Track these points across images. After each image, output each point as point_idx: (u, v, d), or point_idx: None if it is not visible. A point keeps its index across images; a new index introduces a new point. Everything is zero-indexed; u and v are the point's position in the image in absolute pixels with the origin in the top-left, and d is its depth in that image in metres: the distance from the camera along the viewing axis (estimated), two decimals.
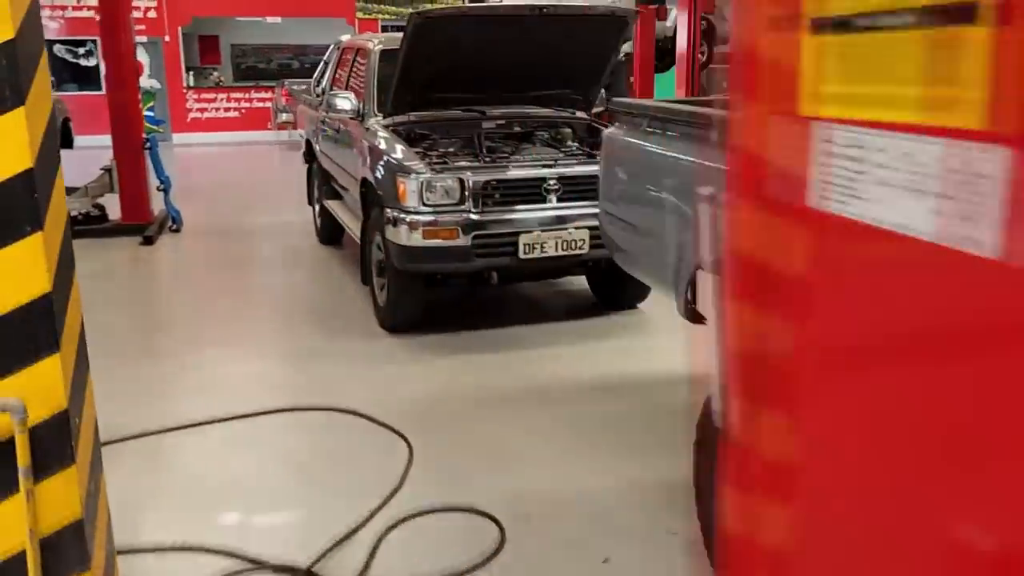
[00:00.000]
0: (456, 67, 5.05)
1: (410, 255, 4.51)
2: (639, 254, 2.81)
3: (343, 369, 4.44)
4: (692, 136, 2.38)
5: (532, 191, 4.60)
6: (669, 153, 2.45)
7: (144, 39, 17.53)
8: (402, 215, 4.49)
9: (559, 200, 4.63)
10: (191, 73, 18.39)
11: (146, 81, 17.99)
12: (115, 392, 4.02)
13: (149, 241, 7.60)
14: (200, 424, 3.73)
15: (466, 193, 4.47)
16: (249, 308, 5.60)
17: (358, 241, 5.52)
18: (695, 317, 2.51)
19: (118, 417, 3.68)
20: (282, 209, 9.39)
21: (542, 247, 4.59)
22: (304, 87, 16.41)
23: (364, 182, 5.24)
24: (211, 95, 18.36)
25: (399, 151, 4.74)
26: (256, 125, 18.18)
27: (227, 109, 18.39)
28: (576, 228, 4.62)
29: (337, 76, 6.78)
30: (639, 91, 14.32)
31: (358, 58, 6.19)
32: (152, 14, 17.54)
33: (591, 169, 4.70)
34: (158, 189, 8.17)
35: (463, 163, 4.62)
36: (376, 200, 4.95)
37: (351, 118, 5.55)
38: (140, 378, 4.34)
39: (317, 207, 7.65)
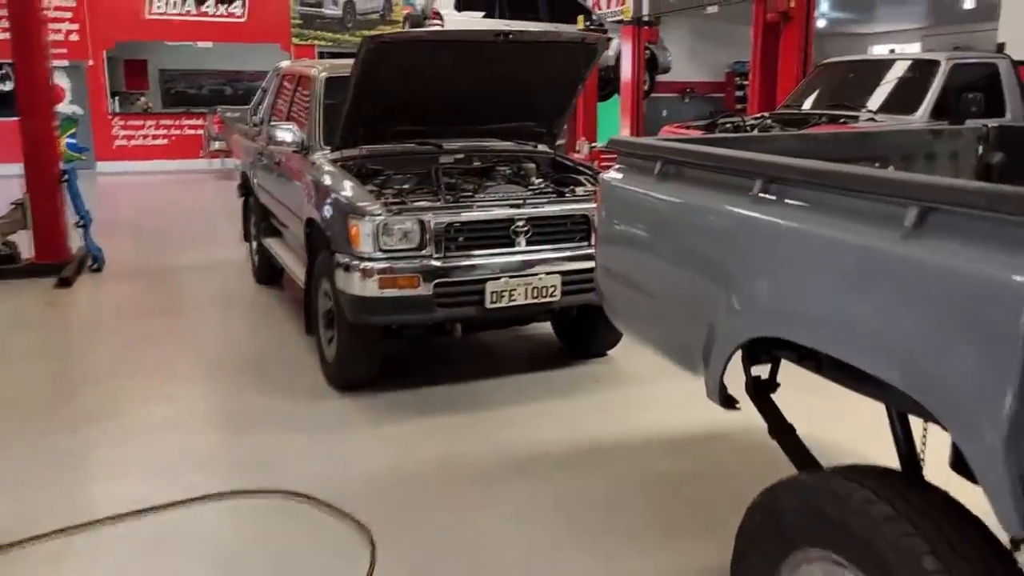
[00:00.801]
0: (411, 97, 4.60)
1: (364, 306, 4.01)
2: (650, 321, 2.39)
3: (288, 438, 3.89)
4: (724, 184, 1.98)
5: (499, 234, 4.16)
6: (698, 203, 2.04)
7: (65, 63, 16.62)
8: (355, 261, 3.99)
9: (528, 243, 4.20)
10: (117, 99, 17.51)
11: (68, 107, 17.07)
12: (16, 475, 3.43)
13: (66, 283, 6.89)
14: (120, 517, 3.14)
15: (427, 236, 4.01)
16: (179, 362, 5.00)
17: (301, 286, 4.99)
18: (728, 402, 2.09)
19: (18, 510, 3.09)
20: (216, 244, 8.75)
21: (511, 295, 4.14)
22: (238, 114, 15.75)
23: (309, 222, 4.72)
24: (138, 122, 17.50)
25: (350, 189, 4.25)
26: (187, 153, 17.37)
27: (155, 136, 17.55)
28: (547, 274, 4.19)
29: (277, 105, 6.25)
30: (583, 120, 14.15)
31: (300, 86, 5.68)
32: (74, 37, 16.66)
33: (561, 209, 4.32)
34: (77, 225, 7.48)
35: (423, 203, 4.16)
36: (323, 243, 4.44)
37: (294, 151, 5.03)
38: (48, 455, 3.71)
39: (254, 244, 7.08)
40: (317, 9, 18.44)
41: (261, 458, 3.68)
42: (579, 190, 4.54)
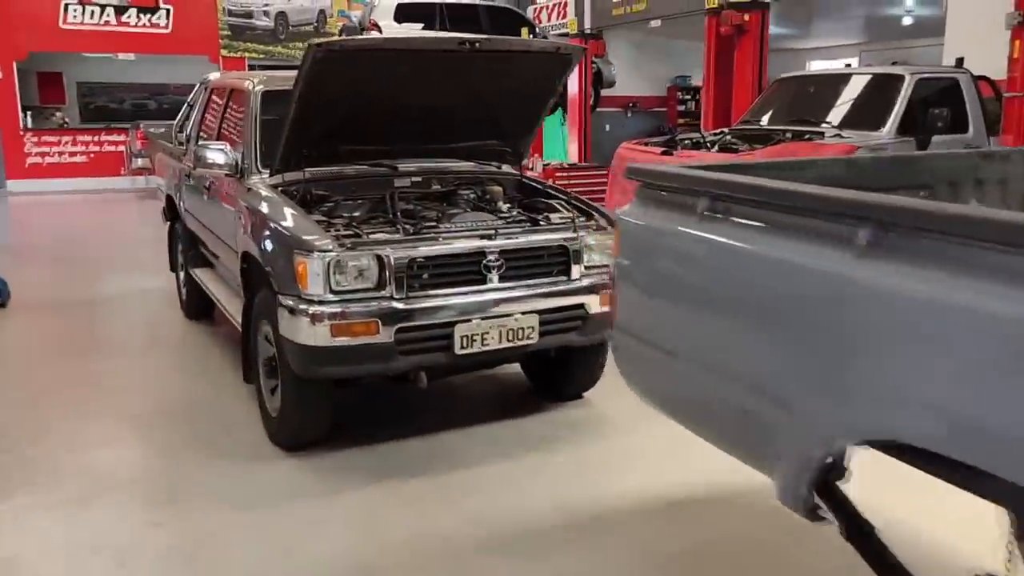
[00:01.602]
0: (363, 112, 4.06)
1: (314, 357, 3.45)
2: (692, 400, 1.91)
3: (225, 516, 3.29)
4: (806, 230, 1.52)
5: (468, 269, 3.65)
6: (772, 256, 1.57)
7: None
8: (301, 305, 3.43)
9: (501, 279, 3.70)
10: (29, 114, 16.36)
11: None
12: None
13: None
14: None
15: (386, 274, 3.47)
16: (94, 420, 4.33)
17: (238, 327, 4.39)
18: (812, 514, 1.63)
19: None
20: (140, 271, 8.00)
21: (483, 339, 3.64)
22: (163, 130, 14.86)
23: (246, 256, 4.13)
24: (54, 138, 16.41)
25: (294, 220, 3.69)
26: (107, 171, 16.36)
27: (73, 153, 16.47)
28: (523, 314, 3.70)
29: (205, 121, 5.63)
30: None
31: (232, 101, 5.09)
32: None
33: (538, 239, 3.83)
34: None
35: (380, 235, 3.62)
36: (263, 280, 3.87)
37: (227, 175, 4.44)
38: None
39: (182, 275, 6.40)
40: (247, 20, 17.65)
41: (192, 547, 3.08)
42: (554, 217, 4.07)
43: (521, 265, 3.76)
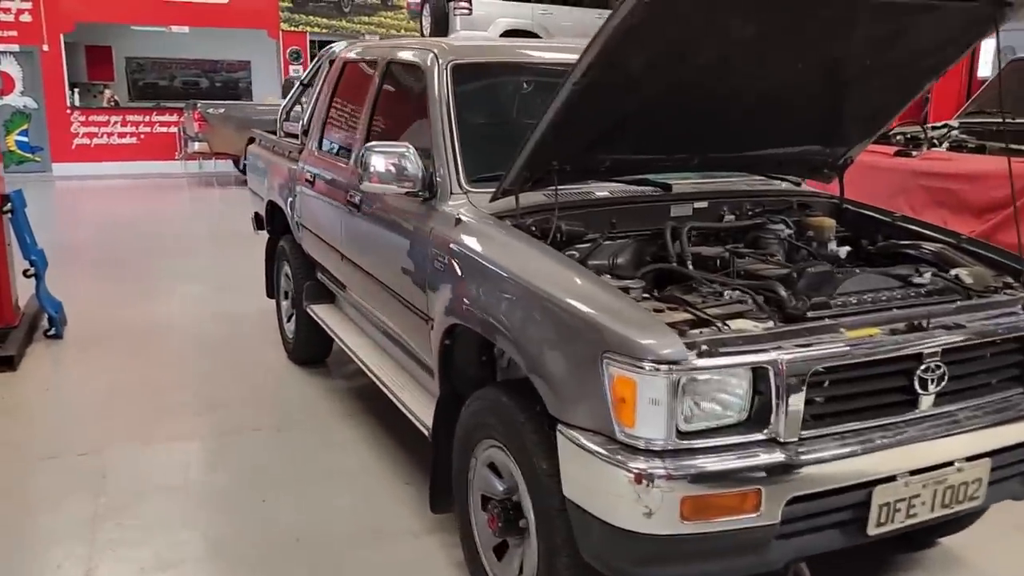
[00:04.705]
0: (659, 100, 2.47)
1: (640, 552, 1.89)
2: None
3: None
4: None
5: (892, 385, 2.06)
6: None
7: (16, 48, 14.18)
8: (619, 454, 1.86)
9: (937, 399, 2.11)
10: (77, 90, 15.03)
11: (18, 99, 14.59)
12: None
13: (8, 364, 4.66)
14: None
15: (772, 398, 1.90)
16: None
17: (424, 430, 2.86)
18: None
19: None
20: (219, 287, 6.53)
21: (910, 508, 2.05)
22: (223, 110, 13.45)
23: (452, 331, 2.58)
24: (102, 117, 15.09)
25: (593, 290, 2.11)
26: (159, 154, 15.01)
27: (122, 134, 15.15)
28: (969, 461, 2.10)
29: (335, 110, 4.07)
30: None
31: (389, 81, 3.53)
32: (26, 17, 14.19)
33: (989, 325, 2.21)
34: (26, 274, 5.23)
35: (746, 322, 2.02)
36: (483, 372, 2.33)
37: (408, 193, 2.87)
38: None
39: (286, 305, 4.90)
40: None
41: None
42: (966, 277, 2.43)
43: (964, 373, 2.16)
